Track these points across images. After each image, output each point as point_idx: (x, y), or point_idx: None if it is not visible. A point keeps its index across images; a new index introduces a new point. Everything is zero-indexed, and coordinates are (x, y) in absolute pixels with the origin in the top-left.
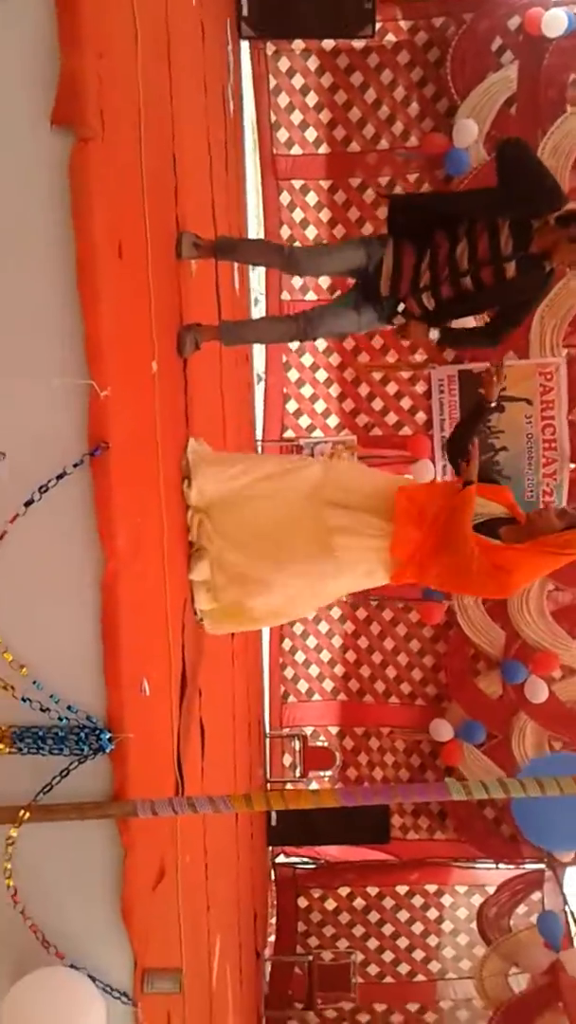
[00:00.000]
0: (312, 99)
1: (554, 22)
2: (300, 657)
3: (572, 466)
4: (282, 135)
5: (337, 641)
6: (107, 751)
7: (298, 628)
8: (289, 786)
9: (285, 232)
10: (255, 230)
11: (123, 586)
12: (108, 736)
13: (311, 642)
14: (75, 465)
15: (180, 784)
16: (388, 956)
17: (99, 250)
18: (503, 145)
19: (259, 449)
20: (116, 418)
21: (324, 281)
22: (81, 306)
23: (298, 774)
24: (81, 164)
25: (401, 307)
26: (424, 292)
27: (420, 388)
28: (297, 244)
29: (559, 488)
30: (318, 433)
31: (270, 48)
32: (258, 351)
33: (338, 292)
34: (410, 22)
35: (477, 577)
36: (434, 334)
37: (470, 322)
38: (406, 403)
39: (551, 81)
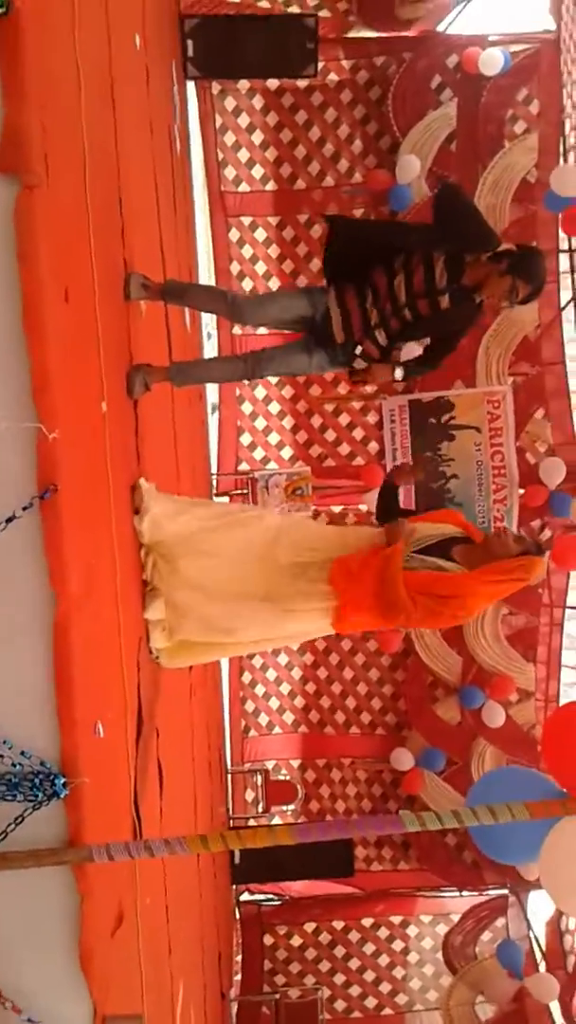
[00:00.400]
0: (258, 137)
1: (491, 61)
2: (260, 690)
3: (520, 491)
4: (229, 172)
5: (296, 673)
6: (61, 796)
7: (257, 661)
8: (252, 822)
9: (235, 268)
10: (205, 267)
11: (75, 628)
12: (63, 781)
13: (271, 675)
14: (24, 508)
15: (138, 826)
16: (355, 991)
17: (45, 295)
18: (441, 190)
19: (214, 482)
20: (66, 460)
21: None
22: (28, 351)
23: (261, 809)
24: (26, 211)
25: (359, 350)
26: (377, 330)
27: (372, 419)
28: (242, 291)
29: (509, 513)
30: (272, 465)
31: (216, 87)
32: (211, 386)
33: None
34: (352, 61)
35: (425, 619)
36: (399, 373)
37: (415, 350)
38: (358, 434)
39: (489, 117)
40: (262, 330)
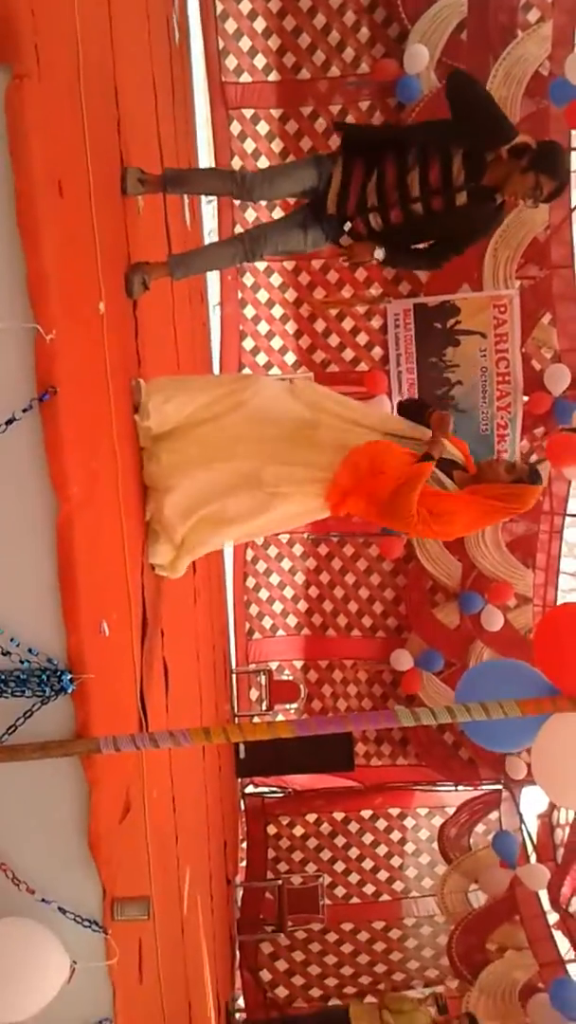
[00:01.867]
0: (260, 24)
1: None
2: (264, 594)
3: (525, 398)
4: (231, 62)
5: (300, 577)
6: (68, 691)
7: (261, 566)
8: (256, 719)
9: (236, 163)
10: (206, 161)
11: (78, 530)
12: (69, 677)
13: (274, 579)
14: (24, 410)
15: (144, 722)
16: (354, 878)
17: (39, 189)
18: (451, 78)
19: None
20: (64, 361)
21: (278, 213)
22: (23, 248)
23: (264, 708)
24: (17, 102)
25: (348, 226)
26: (372, 212)
27: (376, 323)
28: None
29: (512, 421)
30: (275, 370)
31: None
32: (213, 287)
33: None
34: None
35: (418, 530)
36: (379, 253)
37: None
38: (362, 339)
39: (501, 5)
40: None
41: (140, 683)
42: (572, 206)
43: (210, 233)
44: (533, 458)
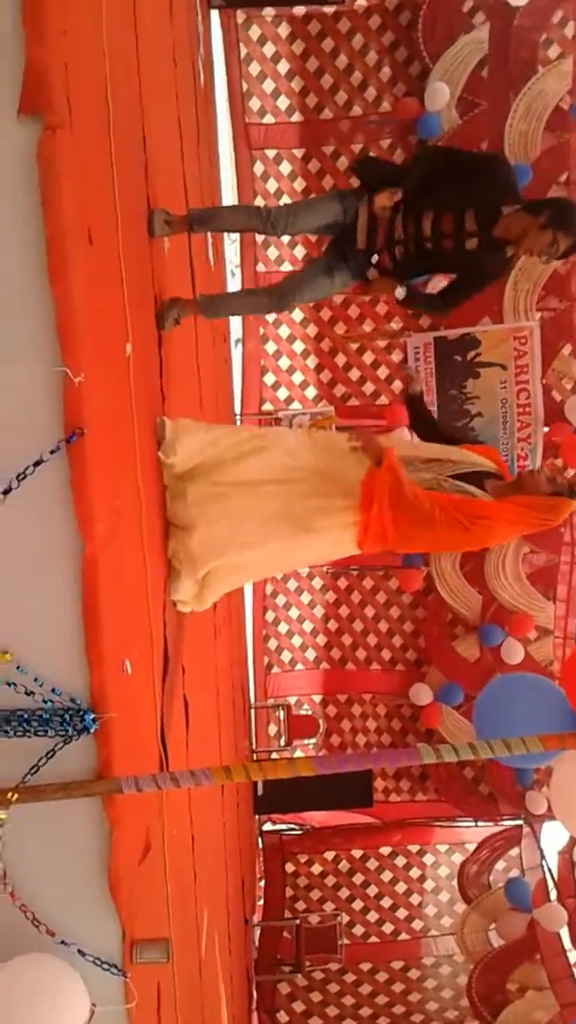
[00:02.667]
0: (284, 67)
1: None
2: (283, 628)
3: (545, 429)
4: (254, 104)
5: (319, 611)
6: (91, 731)
7: (280, 599)
8: (274, 755)
9: (259, 202)
10: (229, 201)
11: (103, 569)
12: (92, 716)
13: (293, 613)
14: (52, 452)
15: (164, 759)
16: (373, 916)
17: (69, 238)
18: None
19: (237, 422)
20: (91, 403)
21: (299, 251)
22: (52, 294)
23: (283, 743)
24: (49, 153)
25: (374, 259)
26: (398, 245)
27: (396, 357)
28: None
29: (533, 452)
30: (296, 405)
31: (240, 16)
32: (235, 324)
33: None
34: None
35: (447, 531)
36: (400, 292)
37: (440, 284)
38: (383, 372)
39: (522, 42)
40: (286, 266)
41: (161, 721)
42: None
43: (233, 274)
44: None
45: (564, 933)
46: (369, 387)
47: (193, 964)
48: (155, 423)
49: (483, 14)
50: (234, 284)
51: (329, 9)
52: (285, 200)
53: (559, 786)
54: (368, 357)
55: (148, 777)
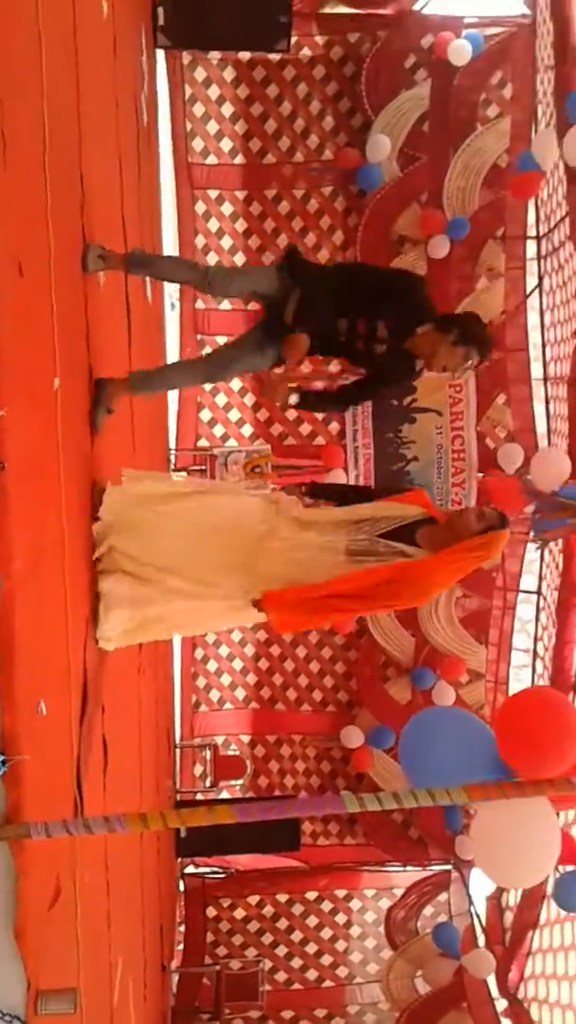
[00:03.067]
0: (228, 110)
1: (460, 51)
2: (212, 666)
3: (479, 475)
4: (197, 144)
5: (250, 650)
6: (0, 773)
7: (211, 637)
8: (199, 796)
9: (200, 241)
10: (170, 239)
11: (20, 607)
12: (2, 759)
13: (223, 651)
14: None
15: (80, 802)
16: (297, 963)
17: None
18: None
19: (172, 458)
20: (14, 437)
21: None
22: None
23: (209, 784)
24: None
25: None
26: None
27: None
28: (213, 262)
29: (467, 497)
30: (232, 442)
31: (186, 57)
32: (172, 356)
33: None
34: (325, 37)
35: (388, 605)
36: (294, 398)
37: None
38: (319, 413)
39: (462, 100)
40: (225, 304)
41: (78, 762)
42: (527, 292)
43: (173, 307)
44: None
45: (491, 981)
46: (306, 427)
47: (104, 1014)
48: (84, 463)
49: (425, 71)
50: (173, 318)
51: (274, 56)
52: (227, 240)
53: (481, 834)
54: None
55: (59, 823)
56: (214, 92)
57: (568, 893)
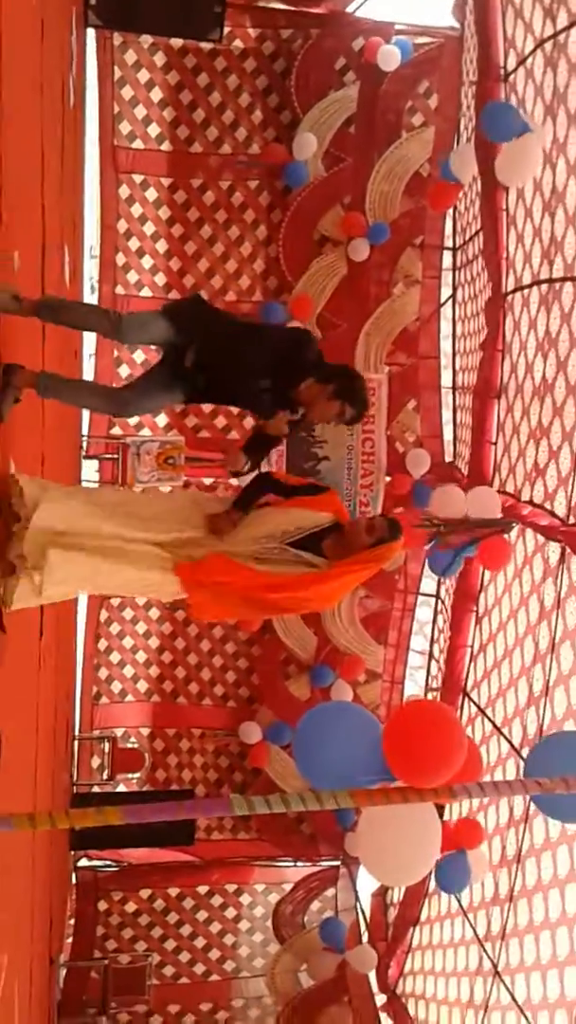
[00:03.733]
0: (157, 95)
1: (389, 56)
2: (115, 657)
3: (387, 479)
4: (124, 127)
5: (154, 642)
6: None
7: (115, 628)
8: (96, 789)
9: (123, 225)
10: (92, 222)
11: None
12: None
13: (127, 642)
14: None
15: None
16: (185, 957)
17: None
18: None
19: (84, 445)
20: None
21: (160, 278)
22: None
23: (105, 777)
24: None
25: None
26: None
27: None
28: (135, 248)
29: (375, 498)
30: (146, 432)
31: (117, 39)
32: (88, 340)
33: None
34: (258, 30)
35: (286, 611)
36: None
37: None
38: (234, 409)
39: (389, 106)
40: (146, 291)
41: None
42: (440, 302)
43: (94, 285)
44: None
45: (372, 976)
46: (221, 421)
47: None
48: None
49: (354, 73)
50: (92, 299)
51: (206, 45)
52: (149, 226)
53: (365, 832)
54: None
55: None
56: (144, 76)
57: (448, 876)
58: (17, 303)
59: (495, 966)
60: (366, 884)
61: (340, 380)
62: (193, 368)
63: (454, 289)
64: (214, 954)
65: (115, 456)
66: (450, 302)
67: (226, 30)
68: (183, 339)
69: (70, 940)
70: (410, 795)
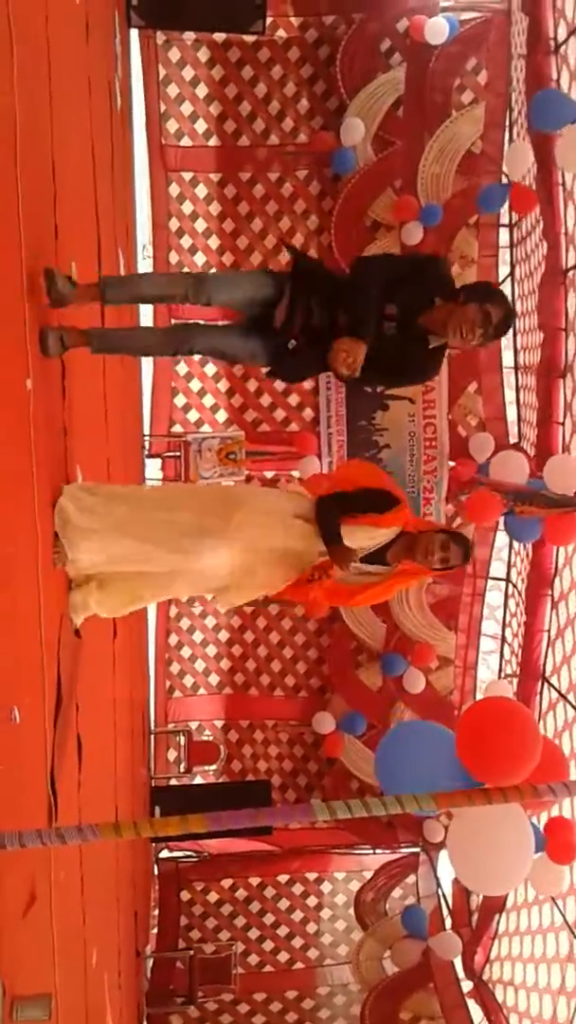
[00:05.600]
0: (202, 91)
1: (437, 30)
2: (186, 652)
3: (450, 464)
4: (171, 125)
5: (223, 635)
6: None
7: (184, 623)
8: (173, 781)
9: (174, 224)
10: (144, 222)
11: None
12: None
13: (197, 636)
14: None
15: (53, 804)
16: (268, 945)
17: None
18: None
19: (146, 444)
20: None
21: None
22: None
23: (183, 769)
24: None
25: (292, 344)
26: (312, 332)
27: (308, 384)
28: (187, 245)
29: (438, 484)
30: (206, 428)
31: (160, 38)
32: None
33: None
34: (300, 19)
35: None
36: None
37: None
38: (294, 399)
39: (437, 85)
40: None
41: (51, 764)
42: (499, 280)
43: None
44: (457, 522)
45: (457, 962)
46: (280, 414)
47: (79, 1011)
48: (58, 465)
49: (400, 55)
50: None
51: (249, 38)
52: (200, 223)
53: (456, 838)
54: (279, 384)
55: (33, 833)
56: (188, 73)
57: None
58: (70, 282)
59: None
60: (447, 870)
61: (468, 288)
62: (282, 328)
63: (512, 266)
64: (297, 942)
65: (177, 454)
66: (509, 280)
67: (268, 21)
68: (284, 293)
69: (155, 931)
70: (493, 796)
